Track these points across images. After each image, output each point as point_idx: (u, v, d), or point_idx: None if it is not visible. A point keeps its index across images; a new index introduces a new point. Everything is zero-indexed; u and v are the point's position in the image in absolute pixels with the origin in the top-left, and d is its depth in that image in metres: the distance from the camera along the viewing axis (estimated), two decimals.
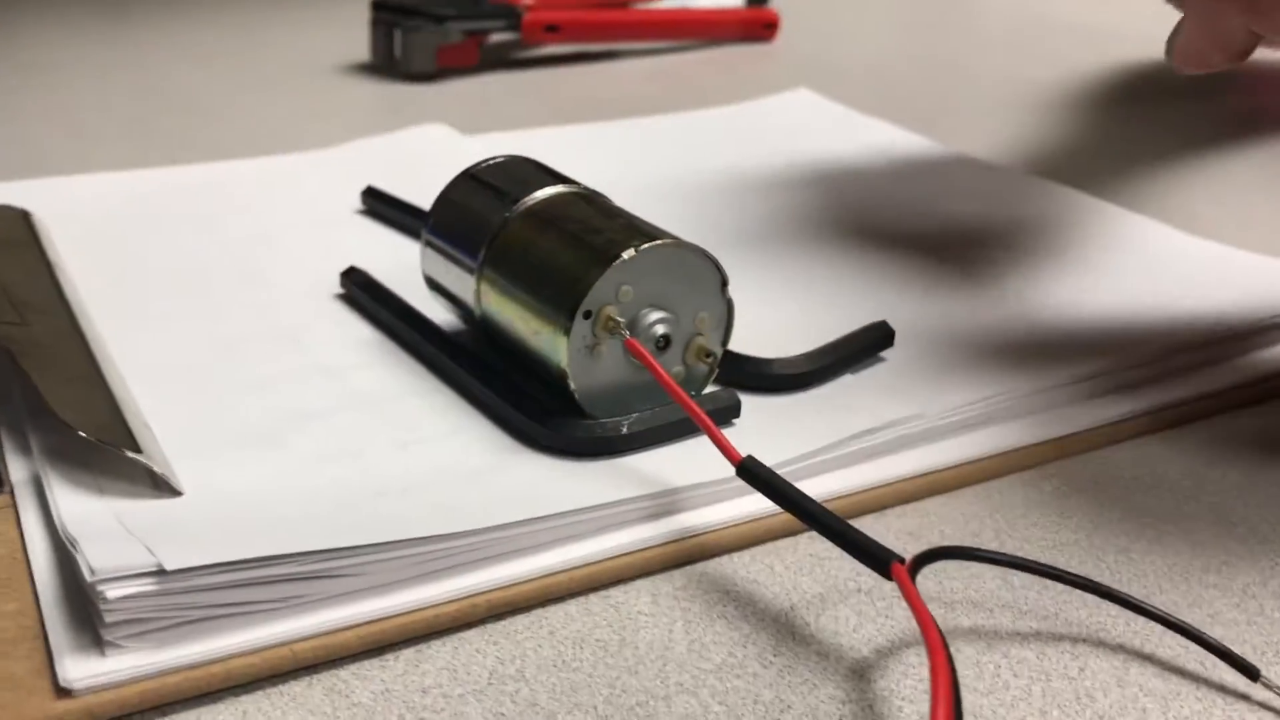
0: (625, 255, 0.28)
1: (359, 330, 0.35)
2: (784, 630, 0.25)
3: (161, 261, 0.40)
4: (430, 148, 0.51)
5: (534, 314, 0.29)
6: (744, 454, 0.26)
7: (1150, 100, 0.65)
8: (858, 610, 0.25)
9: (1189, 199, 0.50)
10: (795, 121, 0.57)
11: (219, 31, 0.82)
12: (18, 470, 0.28)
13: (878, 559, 0.23)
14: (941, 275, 0.39)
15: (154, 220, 0.43)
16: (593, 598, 0.26)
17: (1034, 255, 0.41)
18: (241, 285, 0.38)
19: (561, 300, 0.28)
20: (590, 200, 0.31)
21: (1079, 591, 0.26)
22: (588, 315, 0.28)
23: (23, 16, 0.85)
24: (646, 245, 0.28)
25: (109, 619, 0.22)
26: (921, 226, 0.44)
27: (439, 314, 0.35)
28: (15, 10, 0.87)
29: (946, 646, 0.20)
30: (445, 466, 0.28)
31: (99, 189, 0.46)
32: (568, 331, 0.28)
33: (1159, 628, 0.25)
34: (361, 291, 0.36)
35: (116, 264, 0.39)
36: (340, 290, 0.37)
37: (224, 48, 0.77)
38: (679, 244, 0.29)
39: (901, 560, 0.23)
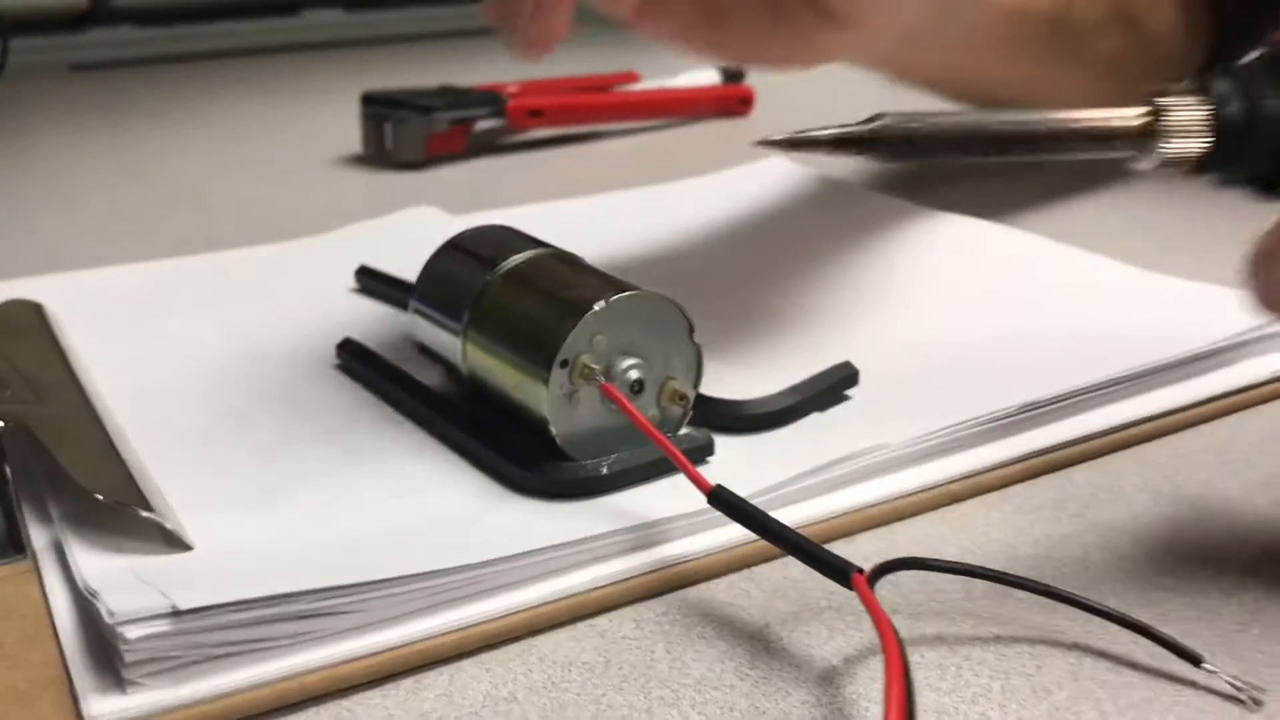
0: (597, 307, 0.30)
1: (355, 396, 0.37)
2: (759, 646, 0.27)
3: (166, 344, 0.42)
4: (420, 229, 0.54)
5: (515, 367, 0.31)
6: (716, 486, 0.28)
7: None
8: (828, 625, 0.27)
9: (1115, 228, 0.52)
10: (767, 187, 0.60)
11: (219, 129, 0.86)
12: (39, 538, 0.30)
13: (839, 571, 0.25)
14: (900, 317, 0.41)
15: (159, 308, 0.45)
16: (579, 626, 0.28)
17: (984, 293, 0.43)
18: (243, 362, 0.40)
19: (539, 352, 0.30)
20: (564, 260, 0.33)
21: (1035, 597, 0.27)
22: (565, 364, 0.30)
23: (33, 124, 0.89)
24: (616, 296, 0.30)
25: (129, 659, 0.24)
26: (880, 273, 0.46)
27: (430, 377, 0.37)
28: (25, 119, 0.90)
29: (896, 633, 0.22)
30: (440, 511, 0.30)
31: (107, 282, 0.48)
32: (546, 381, 0.30)
33: (1111, 627, 0.26)
34: (356, 360, 0.38)
35: (124, 348, 0.41)
36: (337, 361, 0.39)
37: (223, 144, 0.81)
38: (647, 294, 0.31)
39: (861, 571, 0.25)
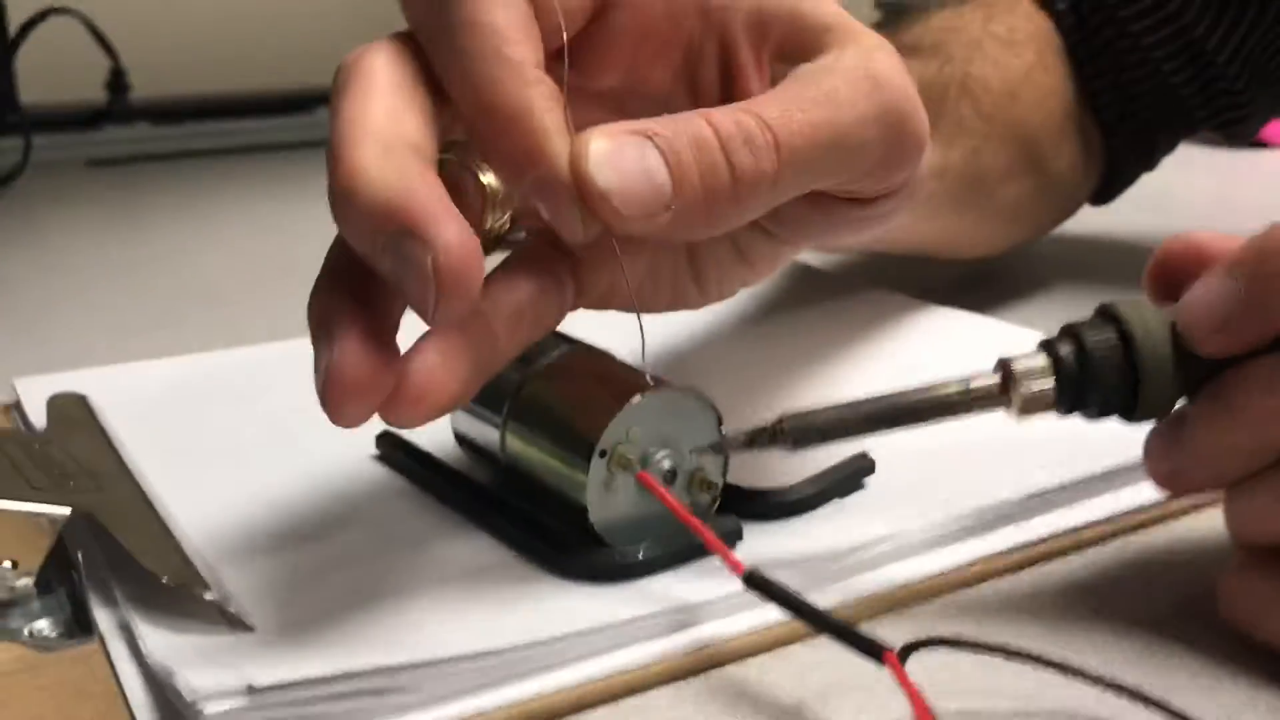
0: (634, 400, 0.32)
1: (395, 485, 0.39)
2: None
3: (207, 436, 0.44)
4: None
5: (555, 457, 0.33)
6: (750, 568, 0.29)
7: None
8: (857, 704, 0.29)
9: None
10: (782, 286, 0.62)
11: (237, 224, 0.88)
12: (105, 620, 0.31)
13: (871, 649, 0.27)
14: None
15: (198, 401, 0.47)
16: (621, 704, 0.29)
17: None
18: (282, 454, 0.42)
19: (579, 442, 0.32)
20: (597, 355, 0.36)
21: (1052, 674, 0.29)
22: (603, 454, 0.32)
23: (52, 220, 0.91)
24: (652, 391, 0.32)
25: None
26: (889, 367, 0.48)
27: (468, 467, 0.39)
28: (45, 215, 0.93)
29: (930, 709, 0.24)
30: (484, 595, 0.32)
31: (144, 375, 0.50)
32: (587, 469, 0.32)
33: (1127, 703, 0.28)
34: (395, 451, 0.40)
35: (166, 440, 0.43)
36: (375, 452, 0.41)
37: (242, 239, 0.83)
38: (681, 389, 0.33)
39: (892, 649, 0.26)
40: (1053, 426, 0.40)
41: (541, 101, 0.28)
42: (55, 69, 1.11)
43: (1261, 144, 1.03)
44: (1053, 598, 0.33)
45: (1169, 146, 0.65)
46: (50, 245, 0.82)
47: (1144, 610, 0.32)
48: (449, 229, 0.26)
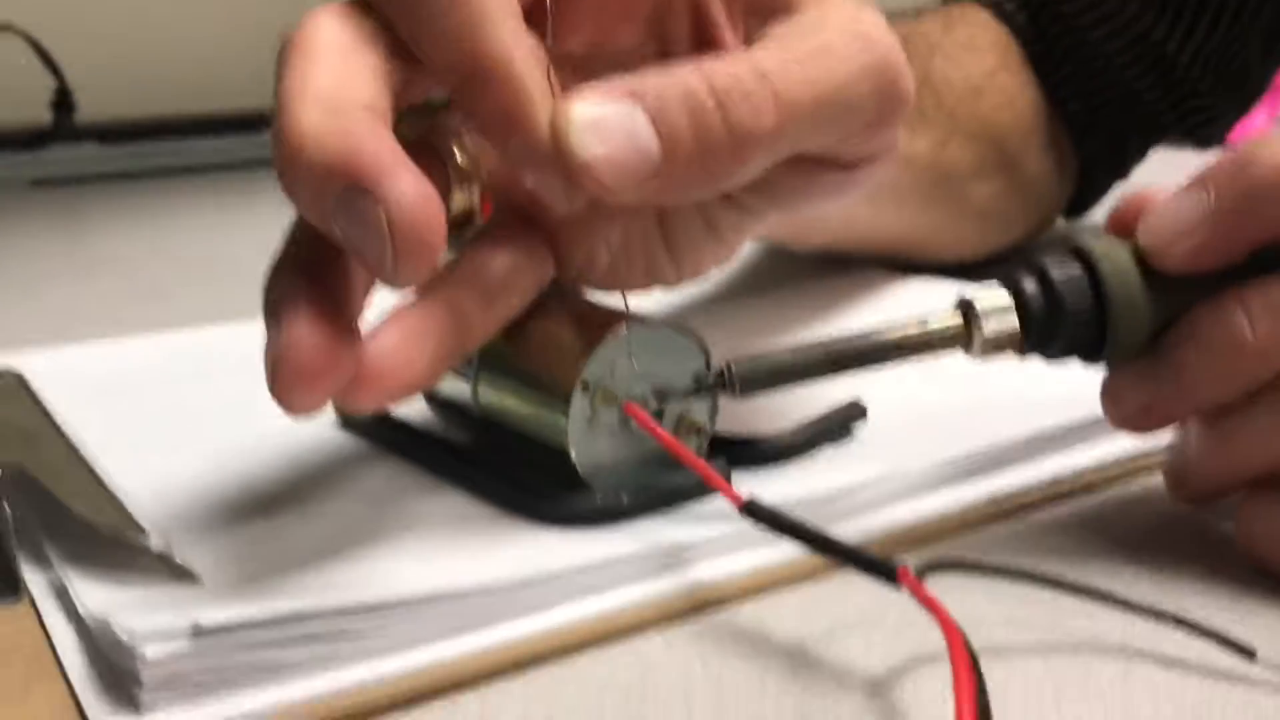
0: (620, 332, 0.30)
1: (361, 450, 0.36)
2: (798, 661, 0.26)
3: (151, 411, 0.41)
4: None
5: (534, 395, 0.31)
6: (749, 498, 0.27)
7: None
8: (865, 638, 0.26)
9: None
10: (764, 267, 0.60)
11: (182, 238, 0.86)
12: (37, 582, 0.28)
13: (884, 570, 0.24)
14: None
15: (141, 380, 0.44)
16: (610, 649, 0.27)
17: None
18: (233, 425, 0.39)
19: (561, 377, 0.30)
20: (574, 297, 0.33)
21: (1073, 602, 0.27)
22: (585, 388, 0.30)
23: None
24: (639, 324, 0.30)
25: (147, 679, 0.23)
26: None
27: (437, 426, 0.36)
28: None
29: (955, 622, 0.21)
30: (458, 542, 0.29)
31: (84, 357, 0.47)
32: (568, 403, 0.29)
33: (1156, 630, 0.26)
34: (359, 417, 0.37)
35: (108, 414, 0.40)
36: (337, 419, 0.38)
37: (187, 249, 0.80)
38: (669, 324, 0.31)
39: (906, 567, 0.24)
40: (1055, 372, 0.38)
41: (524, 62, 0.26)
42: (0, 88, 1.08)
43: (1232, 147, 1.03)
44: (1066, 534, 0.31)
45: (1140, 154, 0.64)
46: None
47: (1164, 545, 0.30)
48: (403, 180, 0.24)
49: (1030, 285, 0.29)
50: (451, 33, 0.26)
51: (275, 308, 0.26)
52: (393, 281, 0.25)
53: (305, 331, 0.25)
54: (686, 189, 0.28)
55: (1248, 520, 0.29)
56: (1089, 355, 0.30)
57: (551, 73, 0.27)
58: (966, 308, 0.29)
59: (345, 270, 0.28)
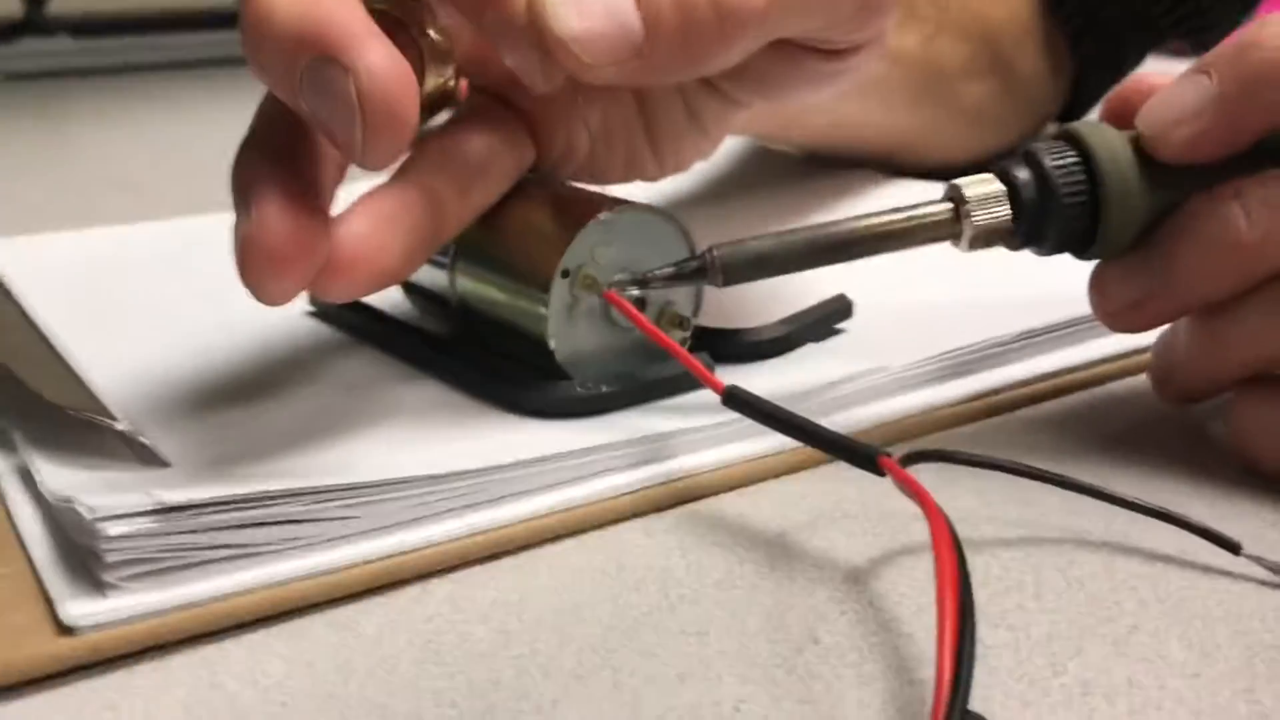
0: (602, 216, 0.29)
1: (334, 339, 0.35)
2: (777, 551, 0.25)
3: (127, 298, 0.40)
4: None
5: (513, 281, 0.30)
6: (730, 385, 0.27)
7: None
8: (846, 531, 0.26)
9: None
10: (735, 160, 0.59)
11: (158, 133, 0.84)
12: (2, 469, 0.28)
13: (866, 457, 0.24)
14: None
15: (111, 269, 0.43)
16: (587, 537, 0.26)
17: None
18: (210, 312, 0.38)
19: (540, 261, 0.29)
20: (554, 181, 0.32)
21: (1058, 501, 0.26)
22: (566, 274, 0.29)
23: None
24: (621, 208, 0.29)
25: (110, 559, 0.22)
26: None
27: (414, 317, 0.35)
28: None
29: (945, 514, 0.21)
30: (433, 429, 0.28)
31: (52, 246, 0.46)
32: (547, 290, 0.29)
33: (1140, 526, 0.26)
34: (332, 306, 0.36)
35: (77, 303, 0.39)
36: (310, 308, 0.37)
37: (164, 143, 0.79)
38: (653, 210, 0.30)
39: (889, 454, 0.24)
40: (1044, 271, 0.37)
41: None
42: None
43: None
44: (1052, 431, 0.31)
45: (1138, 57, 0.62)
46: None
47: (1150, 444, 0.30)
48: (373, 49, 0.23)
49: (1023, 173, 0.28)
50: None
51: (243, 190, 0.25)
52: (363, 160, 0.24)
53: (274, 213, 0.24)
54: (669, 70, 0.27)
55: (1240, 418, 0.28)
56: (1081, 249, 0.29)
57: None
58: (955, 195, 0.28)
59: (315, 153, 0.27)
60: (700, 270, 0.28)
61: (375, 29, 0.23)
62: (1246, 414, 0.28)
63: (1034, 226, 0.28)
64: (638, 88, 0.33)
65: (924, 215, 0.28)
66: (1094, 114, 0.64)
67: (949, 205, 0.28)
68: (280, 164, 0.26)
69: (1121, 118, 0.29)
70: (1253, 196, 0.27)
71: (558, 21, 0.25)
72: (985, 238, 0.28)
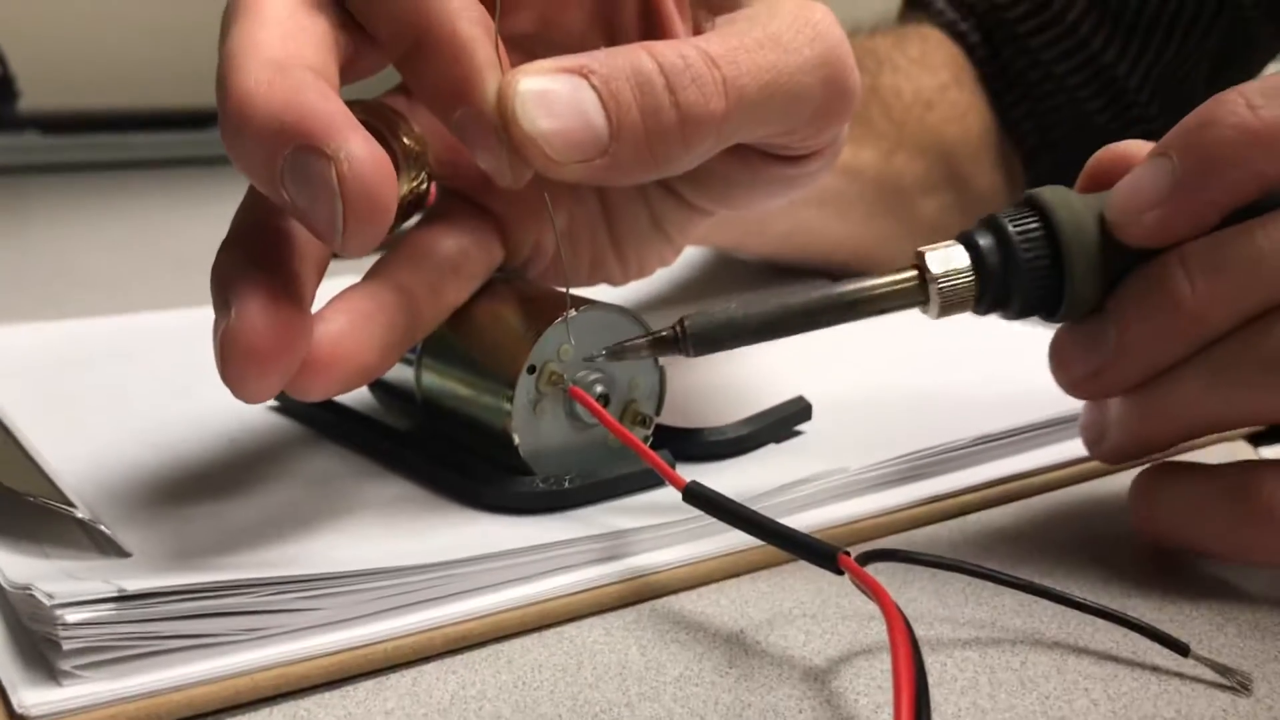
0: (569, 314, 0.29)
1: (298, 433, 0.35)
2: (736, 648, 0.26)
3: (90, 390, 0.40)
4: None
5: (479, 374, 0.30)
6: (690, 482, 0.27)
7: None
8: (805, 630, 0.26)
9: None
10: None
11: (125, 230, 0.84)
12: None
13: (825, 555, 0.24)
14: (846, 363, 0.42)
15: (72, 361, 0.43)
16: (546, 633, 0.26)
17: (922, 347, 0.44)
18: (173, 405, 0.38)
19: (506, 359, 0.29)
20: (519, 280, 0.33)
21: (1013, 601, 0.27)
22: (532, 370, 0.29)
23: None
24: (587, 307, 0.30)
25: (67, 646, 0.22)
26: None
27: (379, 414, 0.36)
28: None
29: (902, 613, 0.21)
30: (397, 525, 0.29)
31: (12, 337, 0.46)
32: (512, 390, 0.29)
33: (1091, 628, 0.26)
34: (296, 401, 0.36)
35: (37, 393, 0.39)
36: (275, 403, 0.38)
37: (131, 241, 0.79)
38: (618, 309, 0.31)
39: (848, 553, 0.24)
40: (999, 375, 0.38)
41: (472, 30, 0.26)
42: None
43: None
44: (1005, 535, 0.31)
45: None
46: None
47: (1102, 548, 0.31)
48: (354, 139, 0.23)
49: (985, 239, 0.28)
50: (400, 6, 0.26)
51: (224, 287, 0.25)
52: (343, 247, 0.24)
53: (256, 311, 0.24)
54: (632, 170, 0.28)
55: (1140, 498, 0.29)
56: (1049, 312, 0.29)
57: (500, 44, 0.27)
58: (920, 262, 0.28)
59: (296, 250, 0.27)
60: (672, 339, 0.28)
61: (355, 120, 0.24)
62: (1148, 494, 0.29)
63: (998, 291, 0.28)
64: (602, 186, 0.34)
65: (890, 282, 0.28)
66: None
67: (914, 273, 0.29)
68: (261, 262, 0.26)
69: (1098, 188, 0.30)
70: (1196, 261, 0.27)
71: (527, 119, 0.26)
72: (951, 303, 0.28)
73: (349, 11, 0.27)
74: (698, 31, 0.32)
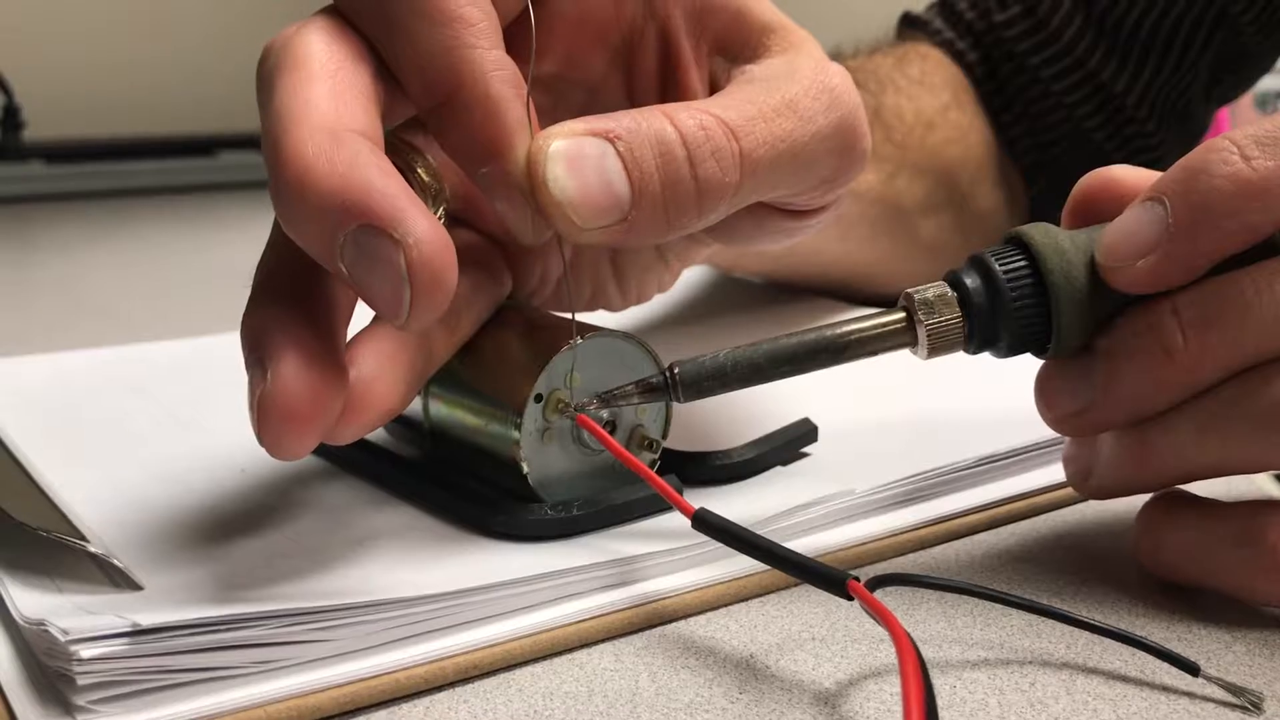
0: (575, 342, 0.30)
1: (310, 464, 0.36)
2: (746, 674, 0.26)
3: (101, 421, 0.40)
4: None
5: (487, 403, 0.30)
6: (699, 509, 0.27)
7: None
8: (814, 654, 0.26)
9: None
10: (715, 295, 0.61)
11: (132, 257, 0.84)
12: None
13: (835, 581, 0.24)
14: (850, 386, 0.42)
15: (85, 392, 0.44)
16: (557, 660, 0.26)
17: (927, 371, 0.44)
18: (181, 434, 0.38)
19: (514, 387, 0.30)
20: (525, 307, 0.33)
21: (1021, 622, 0.27)
22: (539, 399, 0.29)
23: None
24: (594, 335, 0.30)
25: (82, 681, 0.22)
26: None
27: (387, 443, 0.36)
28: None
29: (911, 638, 0.21)
30: (406, 552, 0.29)
31: (25, 367, 0.46)
32: (520, 418, 0.29)
33: (1100, 648, 0.26)
34: None
35: (50, 426, 0.39)
36: None
37: (137, 268, 0.79)
38: (623, 335, 0.31)
39: (857, 578, 0.24)
40: (1002, 396, 0.38)
41: (504, 90, 0.26)
42: None
43: None
44: (1013, 555, 0.31)
45: None
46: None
47: (1110, 567, 0.31)
48: (420, 222, 0.23)
49: (971, 279, 0.28)
50: (434, 54, 0.26)
51: (257, 345, 0.25)
52: (404, 325, 0.24)
53: (293, 374, 0.24)
54: (648, 234, 0.28)
55: (1148, 536, 0.29)
56: (1039, 349, 0.29)
57: (530, 104, 0.27)
58: (909, 304, 0.29)
59: (329, 298, 0.27)
60: (663, 387, 0.28)
61: (415, 198, 0.24)
62: (1155, 531, 0.29)
63: (986, 330, 0.29)
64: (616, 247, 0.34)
65: (879, 325, 0.29)
66: None
67: (902, 314, 0.29)
68: (294, 313, 0.25)
69: (1084, 216, 0.30)
70: (1187, 309, 0.27)
71: (556, 184, 0.26)
72: (940, 345, 0.29)
73: (382, 59, 0.27)
74: (714, 80, 0.32)
